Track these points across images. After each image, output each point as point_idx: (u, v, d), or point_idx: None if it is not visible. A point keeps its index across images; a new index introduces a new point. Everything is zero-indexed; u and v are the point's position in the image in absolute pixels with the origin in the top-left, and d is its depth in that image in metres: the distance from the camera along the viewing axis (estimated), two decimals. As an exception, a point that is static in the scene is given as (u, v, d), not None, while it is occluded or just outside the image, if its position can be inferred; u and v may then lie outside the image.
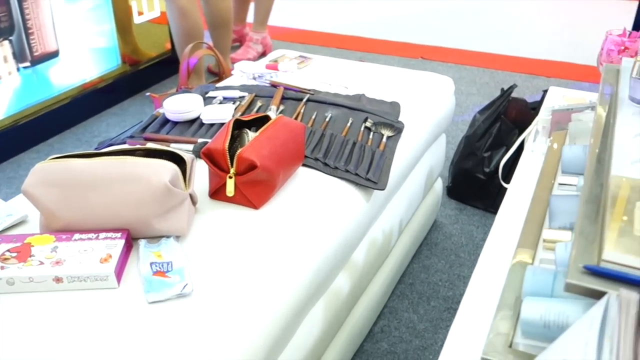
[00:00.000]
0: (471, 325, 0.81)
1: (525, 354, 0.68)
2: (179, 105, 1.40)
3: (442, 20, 4.15)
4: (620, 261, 0.59)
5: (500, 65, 3.37)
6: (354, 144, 1.28)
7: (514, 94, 2.06)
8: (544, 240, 0.86)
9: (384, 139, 1.33)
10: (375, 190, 1.24)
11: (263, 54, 3.40)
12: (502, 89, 2.07)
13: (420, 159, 1.60)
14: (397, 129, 1.37)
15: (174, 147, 1.15)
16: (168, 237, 1.03)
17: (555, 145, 1.15)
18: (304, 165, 1.21)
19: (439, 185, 1.91)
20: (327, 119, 1.38)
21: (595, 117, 0.96)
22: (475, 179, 2.00)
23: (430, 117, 1.58)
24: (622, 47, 1.40)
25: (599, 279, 0.60)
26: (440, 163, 1.84)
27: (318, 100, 1.44)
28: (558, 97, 1.51)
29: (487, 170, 1.97)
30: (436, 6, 4.42)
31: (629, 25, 1.33)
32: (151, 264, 0.96)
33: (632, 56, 1.35)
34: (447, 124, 1.75)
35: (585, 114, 1.21)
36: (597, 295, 0.58)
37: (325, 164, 1.22)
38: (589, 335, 0.50)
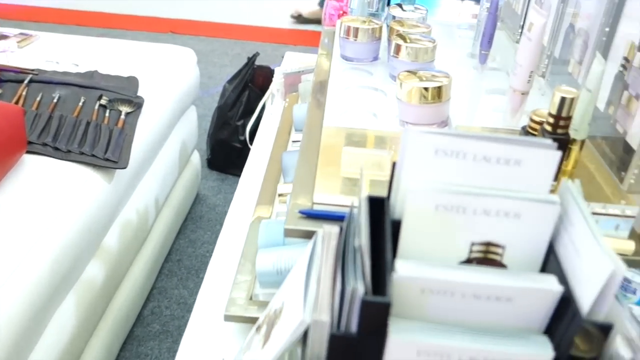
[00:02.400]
0: (219, 285, 0.82)
1: (265, 303, 0.72)
2: None
3: (189, -7, 4.08)
4: (329, 201, 0.65)
5: (251, 37, 3.46)
6: (88, 123, 1.20)
7: (261, 62, 2.13)
8: (279, 195, 0.91)
9: (122, 116, 1.27)
10: (118, 170, 1.18)
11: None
12: (248, 58, 2.13)
13: (171, 134, 1.57)
14: (137, 104, 1.31)
15: None
16: None
17: (287, 106, 1.21)
18: (30, 152, 1.10)
19: (196, 158, 1.90)
20: (55, 100, 1.26)
21: (314, 75, 1.03)
22: (232, 148, 2.03)
23: (173, 90, 1.54)
24: (341, 12, 1.53)
25: (314, 220, 0.64)
26: (193, 136, 1.82)
27: (43, 81, 1.31)
28: (294, 62, 1.59)
29: (242, 138, 2.01)
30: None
31: (345, -9, 1.45)
32: None
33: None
34: (195, 96, 1.74)
35: (312, 75, 1.30)
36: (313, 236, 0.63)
37: (56, 149, 1.12)
38: (300, 270, 0.54)
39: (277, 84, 1.31)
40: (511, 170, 0.48)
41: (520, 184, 0.48)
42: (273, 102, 1.32)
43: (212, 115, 2.13)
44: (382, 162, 0.69)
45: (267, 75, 2.06)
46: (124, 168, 1.17)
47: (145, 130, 1.34)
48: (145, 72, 1.50)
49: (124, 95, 1.31)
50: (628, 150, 0.61)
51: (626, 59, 0.63)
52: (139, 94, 1.36)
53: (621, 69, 0.64)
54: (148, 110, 1.37)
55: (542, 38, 0.71)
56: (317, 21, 3.56)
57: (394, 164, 0.52)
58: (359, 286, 0.43)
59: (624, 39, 0.64)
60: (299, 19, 3.64)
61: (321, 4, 3.48)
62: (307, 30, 3.61)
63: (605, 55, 0.69)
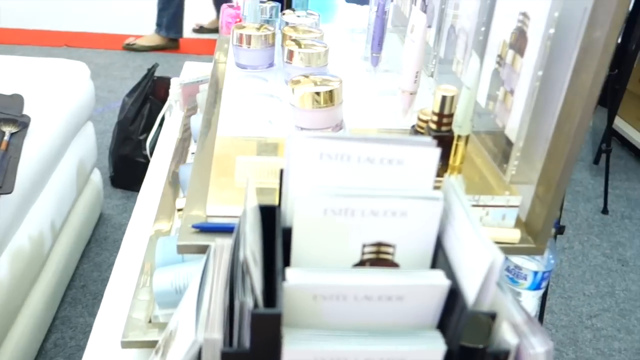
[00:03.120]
0: (118, 308, 0.78)
1: (165, 325, 0.69)
2: None
3: (86, 5, 3.91)
4: (224, 213, 0.63)
5: (151, 47, 3.36)
6: (-33, 147, 1.11)
7: (163, 73, 2.07)
8: (177, 210, 0.88)
9: (6, 137, 1.18)
10: (4, 195, 1.10)
11: None
12: (148, 70, 2.06)
13: (65, 152, 1.48)
14: (22, 124, 1.23)
15: None
16: None
17: (186, 117, 1.18)
18: None
19: (97, 177, 1.81)
20: None
21: (209, 84, 1.01)
22: (136, 163, 1.96)
23: (65, 106, 1.47)
24: (238, 20, 1.51)
25: (209, 234, 0.63)
26: (92, 153, 1.74)
27: None
28: (193, 72, 1.56)
29: (145, 152, 1.95)
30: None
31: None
32: None
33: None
34: (90, 112, 1.66)
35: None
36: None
37: None
38: (194, 287, 0.52)
39: (175, 95, 1.28)
40: (395, 170, 0.48)
41: (405, 182, 0.49)
42: (172, 114, 1.28)
43: (113, 130, 2.05)
44: (275, 170, 0.68)
45: (168, 86, 2.01)
46: (9, 193, 1.09)
47: (35, 151, 1.26)
48: (34, 89, 1.41)
49: (7, 115, 1.22)
50: (508, 144, 0.64)
51: (500, 57, 0.66)
52: (24, 112, 1.28)
53: (497, 66, 0.67)
54: (37, 129, 1.29)
55: (424, 39, 0.73)
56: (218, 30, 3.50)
57: (281, 171, 0.51)
58: (247, 300, 0.42)
59: (498, 37, 0.67)
60: (201, 30, 3.59)
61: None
62: (209, 39, 3.56)
63: (482, 53, 0.72)
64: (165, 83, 2.02)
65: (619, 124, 2.67)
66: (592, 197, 2.27)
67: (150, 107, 1.95)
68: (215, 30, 3.58)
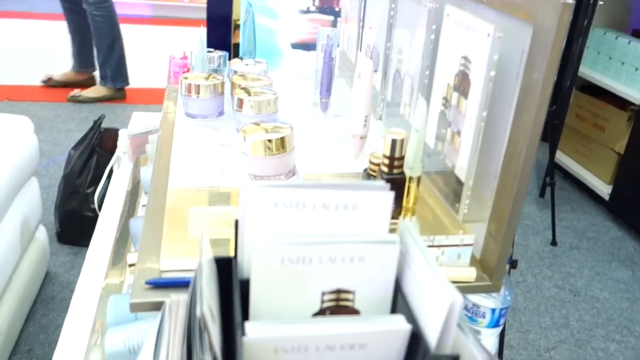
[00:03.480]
0: (67, 376, 0.74)
1: (120, 387, 0.66)
2: None
3: (27, 59, 3.84)
4: (178, 267, 0.61)
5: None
6: None
7: (110, 124, 2.04)
8: (129, 265, 0.85)
9: (-56, 197, 1.13)
10: (-58, 258, 1.04)
11: None
12: (94, 121, 2.03)
13: (8, 210, 1.42)
14: (-39, 182, 1.18)
15: None
16: None
17: (136, 168, 1.16)
18: None
19: (42, 234, 1.74)
20: None
21: (159, 135, 1.00)
22: (84, 218, 1.90)
23: (7, 162, 1.41)
24: (186, 69, 1.51)
25: (164, 290, 0.61)
26: (37, 209, 1.68)
27: None
28: (142, 122, 1.54)
29: (93, 206, 1.89)
30: (17, 45, 4.09)
31: (187, 49, 1.44)
32: None
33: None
34: (34, 167, 1.61)
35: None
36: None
37: None
38: (149, 347, 0.49)
39: (123, 147, 1.25)
40: (350, 215, 0.48)
41: (361, 227, 0.49)
42: (120, 166, 1.26)
43: (59, 184, 1.98)
44: (230, 219, 0.67)
45: (115, 137, 1.97)
46: (-52, 256, 1.03)
47: (-25, 210, 1.20)
48: (-28, 146, 1.36)
49: (-55, 174, 1.17)
50: (459, 183, 0.65)
51: (445, 99, 0.68)
52: (-36, 170, 1.23)
53: (443, 108, 0.69)
54: (-23, 187, 1.24)
55: (372, 84, 0.75)
56: (70, 84, 3.32)
57: (236, 221, 0.50)
58: (206, 358, 0.40)
59: (442, 80, 0.69)
60: (50, 82, 3.39)
61: (76, 67, 3.34)
62: (156, 88, 3.54)
63: (428, 96, 0.74)
64: (112, 134, 1.99)
65: (561, 157, 2.78)
66: (540, 230, 2.33)
67: (97, 159, 1.91)
68: (65, 84, 3.36)
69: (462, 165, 0.64)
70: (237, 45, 2.82)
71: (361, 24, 1.04)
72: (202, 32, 1.08)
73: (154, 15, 5.37)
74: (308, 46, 2.98)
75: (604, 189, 2.51)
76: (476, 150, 0.62)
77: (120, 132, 1.28)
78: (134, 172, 1.17)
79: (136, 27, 4.89)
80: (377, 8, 0.94)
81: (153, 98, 3.39)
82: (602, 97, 2.56)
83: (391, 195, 0.48)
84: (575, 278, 2.06)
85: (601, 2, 2.38)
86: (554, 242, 2.25)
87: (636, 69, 2.38)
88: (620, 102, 2.46)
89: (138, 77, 3.67)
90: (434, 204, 0.72)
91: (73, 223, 1.92)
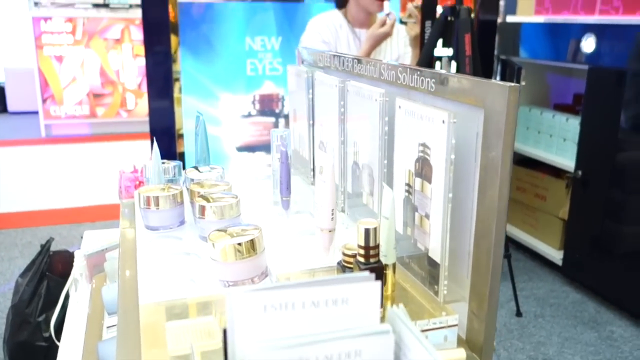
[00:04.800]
0: None
1: None
2: None
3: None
4: (161, 388, 0.58)
5: (41, 221, 3.22)
6: None
7: (58, 247, 1.97)
8: (100, 393, 0.80)
9: None
10: None
11: None
12: (41, 245, 1.96)
13: (-46, 351, 1.32)
14: None
15: None
16: None
17: (95, 289, 1.11)
18: None
19: (-9, 372, 1.62)
20: None
21: (119, 251, 0.97)
22: (37, 349, 1.78)
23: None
24: (138, 182, 1.50)
25: (147, 415, 0.57)
26: (-16, 346, 1.56)
27: None
28: (95, 241, 1.50)
29: (46, 335, 1.78)
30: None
31: (138, 163, 1.44)
32: None
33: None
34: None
35: (117, 251, 1.23)
36: None
37: None
38: None
39: (79, 268, 1.21)
40: (340, 310, 0.48)
41: (352, 320, 0.49)
42: (77, 289, 1.20)
43: (7, 316, 1.87)
44: (210, 330, 0.65)
45: (66, 260, 1.90)
46: None
47: None
48: None
49: None
50: (434, 265, 0.67)
51: (408, 185, 0.71)
52: None
53: (406, 194, 0.72)
54: None
55: (334, 177, 0.77)
56: None
57: (224, 331, 0.49)
58: None
59: (403, 168, 0.72)
60: None
61: None
62: (105, 205, 3.48)
63: (390, 184, 0.76)
64: (63, 257, 1.92)
65: (510, 229, 2.87)
66: (504, 302, 2.35)
67: (48, 284, 1.82)
68: None
69: (435, 247, 0.66)
70: (182, 154, 2.85)
71: (311, 122, 1.07)
72: (154, 144, 1.09)
73: (92, 133, 5.38)
74: (253, 148, 3.04)
75: (556, 255, 2.59)
76: (447, 231, 0.64)
77: (76, 254, 1.24)
78: (94, 294, 1.13)
79: (75, 146, 4.88)
80: (326, 105, 0.98)
81: (99, 215, 3.32)
82: (539, 169, 2.70)
83: (378, 284, 0.48)
84: (546, 346, 2.06)
85: (523, 83, 2.57)
86: (519, 313, 2.26)
87: (564, 140, 2.54)
88: (556, 172, 2.60)
89: (81, 196, 3.61)
90: (411, 289, 0.72)
91: (25, 355, 1.79)
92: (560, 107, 2.79)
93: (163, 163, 1.17)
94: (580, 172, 2.35)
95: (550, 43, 2.54)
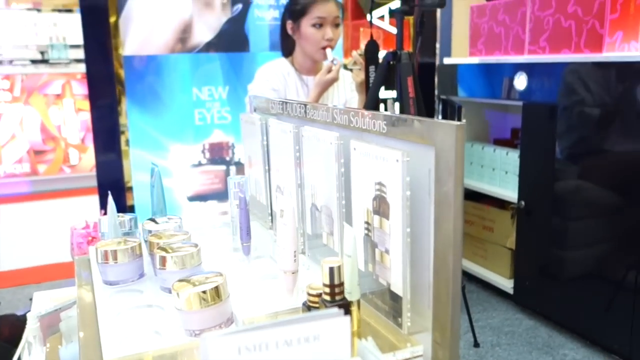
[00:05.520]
0: None
1: None
2: None
3: None
4: None
5: (-17, 286, 3.07)
6: None
7: (4, 311, 1.89)
8: None
9: None
10: None
11: None
12: (-14, 311, 1.87)
13: None
14: None
15: None
16: None
17: (50, 351, 1.08)
18: None
19: None
20: None
21: (77, 310, 0.95)
22: (-17, 421, 1.68)
23: None
24: (90, 238, 1.48)
25: None
26: None
27: None
28: (46, 301, 1.45)
29: (-6, 405, 1.69)
30: None
31: (90, 218, 1.42)
32: None
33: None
34: None
35: (74, 309, 1.19)
36: None
37: None
38: None
39: (32, 331, 1.17)
40: (312, 347, 0.50)
41: (324, 355, 0.50)
42: (31, 352, 1.16)
43: (-52, 390, 1.76)
44: (181, 379, 0.65)
45: (15, 324, 1.82)
46: None
47: None
48: None
49: None
50: (396, 298, 0.69)
51: (367, 223, 0.74)
52: None
53: (366, 231, 0.74)
54: None
55: (295, 221, 0.79)
56: None
57: (199, 377, 0.49)
58: None
59: (361, 206, 0.75)
60: None
61: None
62: (51, 264, 3.36)
63: (349, 223, 0.79)
64: (10, 321, 1.84)
65: (462, 262, 2.93)
66: (461, 334, 2.39)
67: (-6, 351, 1.74)
68: None
69: (397, 281, 0.68)
70: (132, 207, 2.80)
71: (267, 167, 1.10)
72: (109, 197, 1.09)
73: (34, 191, 5.22)
74: (205, 197, 3.02)
75: (507, 284, 2.66)
76: (407, 265, 0.66)
77: (28, 315, 1.20)
78: (49, 356, 1.09)
79: (16, 206, 4.72)
80: (281, 151, 1.01)
81: (45, 276, 3.20)
82: (485, 201, 2.80)
83: (347, 319, 0.50)
84: (505, 376, 2.10)
85: (464, 120, 2.69)
86: (476, 344, 2.30)
87: (506, 172, 2.65)
88: (501, 203, 2.70)
89: (24, 257, 3.48)
90: (375, 323, 0.74)
91: None
92: (500, 142, 2.93)
93: (119, 216, 1.16)
94: (523, 203, 2.45)
95: (486, 82, 2.68)
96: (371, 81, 1.82)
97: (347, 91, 1.93)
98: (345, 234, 0.67)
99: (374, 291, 0.75)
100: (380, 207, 0.70)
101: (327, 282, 0.66)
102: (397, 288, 0.69)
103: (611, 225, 2.10)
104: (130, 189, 2.64)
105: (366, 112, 0.77)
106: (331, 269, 0.65)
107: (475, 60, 2.79)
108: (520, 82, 2.43)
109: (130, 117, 2.54)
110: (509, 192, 2.60)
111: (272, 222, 1.12)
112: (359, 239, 0.76)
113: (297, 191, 0.97)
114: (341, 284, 0.66)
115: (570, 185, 2.27)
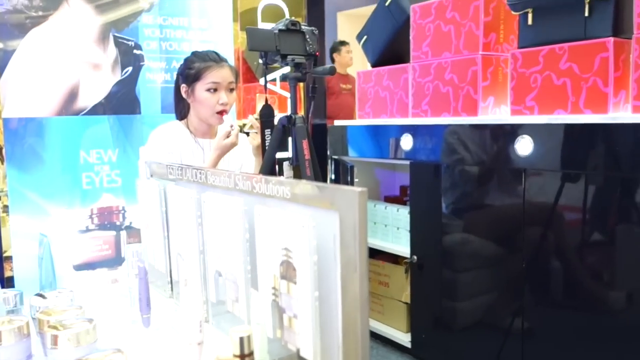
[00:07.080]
0: None
1: None
2: None
3: None
4: None
5: None
6: None
7: None
8: None
9: None
10: None
11: None
12: None
13: None
14: None
15: None
16: None
17: None
18: None
19: None
20: None
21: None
22: None
23: None
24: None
25: None
26: None
27: None
28: None
29: None
30: None
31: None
32: None
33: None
34: None
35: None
36: None
37: None
38: None
39: None
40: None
41: None
42: None
43: None
44: None
45: None
46: None
47: None
48: None
49: None
50: (306, 363, 0.69)
51: (274, 288, 0.74)
52: None
53: (273, 297, 0.75)
54: None
55: (199, 287, 0.78)
56: None
57: None
58: None
59: (267, 272, 0.75)
60: None
61: None
62: None
63: (255, 288, 0.79)
64: None
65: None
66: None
67: None
68: None
69: (306, 345, 0.69)
70: (11, 279, 2.58)
71: (166, 234, 1.07)
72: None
73: None
74: (93, 265, 2.86)
75: (404, 338, 2.73)
76: (317, 329, 0.67)
77: None
78: None
79: None
80: (181, 217, 1.00)
81: None
82: (379, 257, 2.89)
83: (263, 390, 0.50)
84: None
85: (357, 180, 2.79)
86: (378, 401, 2.32)
87: (397, 228, 2.77)
88: (394, 258, 2.80)
89: None
90: (286, 391, 0.74)
91: None
92: (390, 199, 3.06)
93: (2, 293, 1.07)
94: (415, 257, 2.56)
95: (375, 142, 2.82)
96: (267, 144, 1.85)
97: (244, 154, 1.95)
98: (254, 301, 0.67)
99: (282, 357, 0.75)
100: (287, 272, 0.71)
101: (238, 352, 0.65)
102: (307, 353, 0.69)
103: (496, 274, 2.25)
104: (9, 258, 2.44)
105: (270, 178, 0.79)
106: (241, 339, 0.65)
107: (364, 122, 2.94)
108: (406, 142, 2.58)
109: (10, 181, 2.38)
110: (402, 247, 2.71)
111: (172, 290, 1.09)
112: (266, 305, 0.76)
113: (199, 257, 0.95)
114: (251, 353, 0.65)
115: (456, 238, 2.41)
